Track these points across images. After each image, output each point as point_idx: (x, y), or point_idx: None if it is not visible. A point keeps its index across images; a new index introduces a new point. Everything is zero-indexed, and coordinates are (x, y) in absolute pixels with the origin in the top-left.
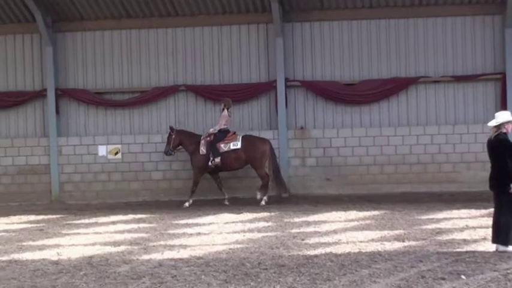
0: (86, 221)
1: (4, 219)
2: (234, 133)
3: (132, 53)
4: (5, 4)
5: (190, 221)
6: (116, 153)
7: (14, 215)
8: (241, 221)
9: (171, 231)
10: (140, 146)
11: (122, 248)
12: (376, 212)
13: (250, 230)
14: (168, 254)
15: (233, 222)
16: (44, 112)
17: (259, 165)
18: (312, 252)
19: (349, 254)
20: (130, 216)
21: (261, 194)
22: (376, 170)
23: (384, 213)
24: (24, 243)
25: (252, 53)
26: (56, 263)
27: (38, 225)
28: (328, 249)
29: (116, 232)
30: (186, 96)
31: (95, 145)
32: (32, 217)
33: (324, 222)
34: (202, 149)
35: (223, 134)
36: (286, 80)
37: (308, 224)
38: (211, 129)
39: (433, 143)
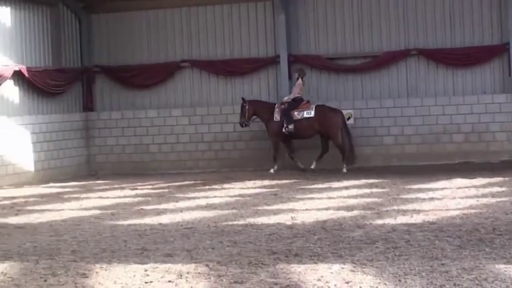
0: (319, 185)
1: (239, 184)
2: (308, 102)
3: (363, 18)
4: None
5: (422, 185)
6: (348, 118)
7: (249, 180)
8: (474, 186)
9: (404, 196)
10: (372, 111)
11: (355, 212)
12: None
13: (484, 195)
14: (401, 219)
15: (466, 187)
16: (277, 78)
17: (334, 135)
18: None
19: None
20: (363, 181)
21: (344, 165)
22: None
23: None
24: (259, 208)
25: (484, 13)
26: (291, 227)
27: (272, 190)
28: None
29: (348, 197)
30: (417, 60)
31: None
32: (266, 182)
33: None
34: (277, 116)
35: (297, 103)
36: None
37: None
38: (285, 98)
39: None
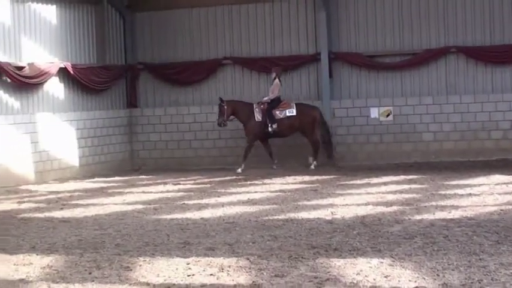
0: (358, 181)
1: (279, 180)
2: (287, 101)
3: (403, 16)
4: None
5: (461, 182)
6: (388, 115)
7: (289, 175)
8: None
9: (442, 192)
10: (411, 108)
11: (394, 208)
12: None
13: None
14: (440, 215)
15: (504, 183)
16: (318, 75)
17: (311, 131)
18: None
19: None
20: (402, 177)
21: (312, 159)
22: None
23: None
24: (299, 203)
25: None
26: (330, 222)
27: (312, 185)
28: None
29: (387, 192)
30: (456, 58)
31: (367, 107)
32: (306, 178)
33: None
34: (258, 116)
35: (276, 102)
36: None
37: None
38: (265, 98)
39: None
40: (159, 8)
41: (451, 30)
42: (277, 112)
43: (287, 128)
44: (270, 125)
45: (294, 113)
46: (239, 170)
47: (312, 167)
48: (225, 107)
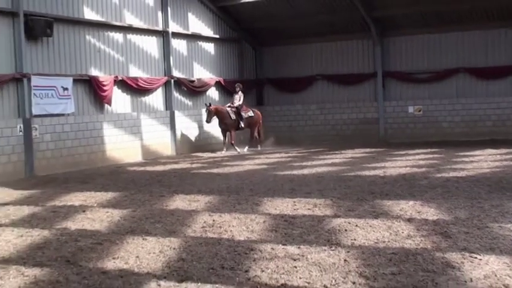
0: (401, 152)
1: (351, 151)
2: (247, 107)
3: (430, 48)
4: (349, 20)
5: (466, 153)
6: (419, 111)
7: (357, 148)
8: (499, 154)
9: (454, 159)
10: (435, 106)
11: (423, 169)
12: None
13: (505, 159)
14: (453, 173)
15: (494, 154)
16: (375, 86)
17: (260, 127)
18: None
19: None
20: (428, 150)
21: (260, 146)
22: None
23: None
24: (363, 165)
25: (508, 44)
26: (383, 177)
27: (371, 154)
28: None
29: (419, 159)
30: (464, 74)
31: (406, 106)
32: (367, 149)
33: None
34: (233, 116)
35: (240, 107)
36: None
37: None
38: (236, 104)
39: None
40: (278, 44)
41: (460, 57)
42: (243, 113)
43: (247, 124)
44: (240, 122)
45: (252, 115)
46: (240, 150)
47: (259, 147)
48: (211, 108)
